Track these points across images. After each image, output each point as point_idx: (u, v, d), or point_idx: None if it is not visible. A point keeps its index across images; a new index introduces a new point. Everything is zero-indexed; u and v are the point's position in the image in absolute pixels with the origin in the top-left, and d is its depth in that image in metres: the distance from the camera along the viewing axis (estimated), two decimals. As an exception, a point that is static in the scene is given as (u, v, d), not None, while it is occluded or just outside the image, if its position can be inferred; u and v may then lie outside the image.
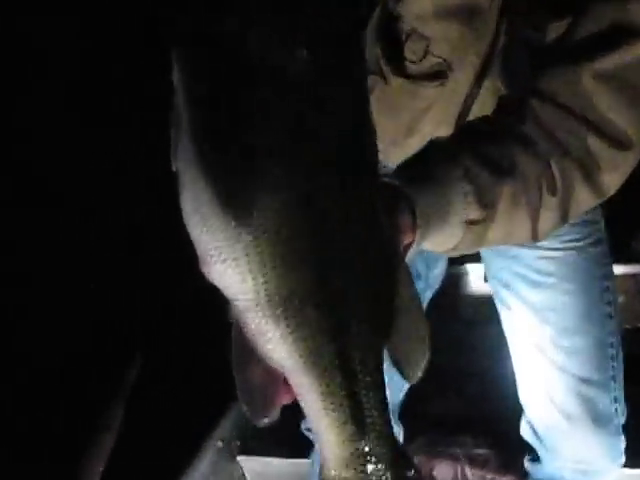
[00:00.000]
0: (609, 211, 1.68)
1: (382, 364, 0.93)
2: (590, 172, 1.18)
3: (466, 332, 2.51)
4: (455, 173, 1.10)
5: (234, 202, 0.84)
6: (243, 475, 2.29)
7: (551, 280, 1.70)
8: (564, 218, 1.21)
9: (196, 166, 0.85)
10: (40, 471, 1.97)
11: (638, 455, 1.78)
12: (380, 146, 1.43)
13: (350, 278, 0.89)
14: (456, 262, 2.66)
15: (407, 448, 2.16)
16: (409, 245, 1.02)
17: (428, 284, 1.83)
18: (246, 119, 0.84)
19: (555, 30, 1.31)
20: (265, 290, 0.85)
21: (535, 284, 1.72)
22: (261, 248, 0.84)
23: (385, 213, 0.96)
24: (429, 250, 1.17)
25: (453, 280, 2.70)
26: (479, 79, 1.49)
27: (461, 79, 1.50)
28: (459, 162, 1.11)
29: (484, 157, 1.13)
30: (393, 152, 1.55)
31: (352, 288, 0.89)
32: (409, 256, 1.05)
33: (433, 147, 1.19)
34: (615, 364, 1.71)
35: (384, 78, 1.57)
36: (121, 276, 2.48)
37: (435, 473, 2.20)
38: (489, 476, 2.15)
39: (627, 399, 1.74)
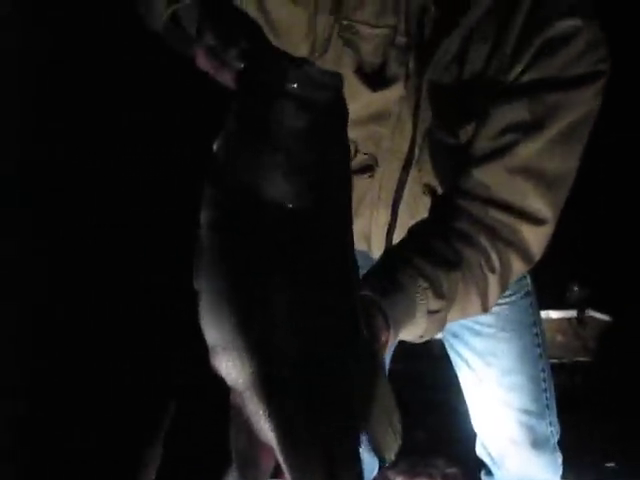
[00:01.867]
0: (546, 267, 1.75)
1: (359, 447, 1.02)
2: (519, 247, 1.38)
3: (433, 369, 2.77)
4: (413, 276, 1.27)
5: (236, 318, 0.98)
6: None
7: (491, 330, 1.91)
8: (505, 287, 1.42)
9: (211, 288, 0.99)
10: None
11: (570, 470, 2.07)
12: None
13: (331, 371, 1.01)
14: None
15: (390, 472, 2.49)
16: (386, 341, 1.19)
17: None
18: (254, 258, 0.98)
19: (465, 133, 1.47)
20: (259, 376, 0.98)
21: (478, 333, 1.93)
22: (251, 352, 0.98)
23: (365, 320, 1.08)
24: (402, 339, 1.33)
25: None
26: (405, 171, 1.61)
27: (387, 171, 1.63)
28: (415, 266, 1.28)
29: (434, 257, 1.31)
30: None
31: (334, 379, 1.01)
32: (387, 350, 1.23)
33: (392, 255, 1.40)
34: (548, 394, 1.95)
35: None
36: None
37: (415, 490, 2.50)
38: (458, 491, 2.45)
39: (567, 423, 2.01)
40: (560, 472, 2.02)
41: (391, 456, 1.06)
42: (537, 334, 1.97)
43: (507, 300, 1.89)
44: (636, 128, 3.08)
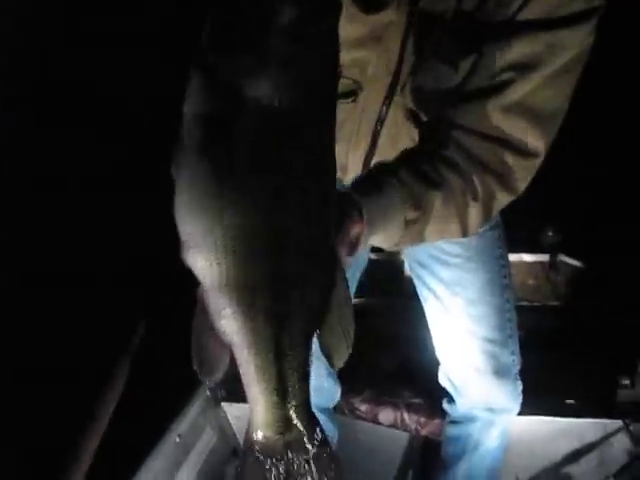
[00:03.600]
0: (521, 211, 1.81)
1: (310, 349, 1.10)
2: (506, 179, 1.42)
3: (402, 304, 2.79)
4: (394, 183, 1.32)
5: (212, 204, 1.00)
6: (226, 417, 2.57)
7: (458, 260, 1.95)
8: (488, 215, 1.46)
9: (188, 174, 1.01)
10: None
11: (530, 404, 2.11)
12: None
13: (295, 275, 1.04)
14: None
15: (355, 399, 2.55)
16: (358, 237, 1.22)
17: (357, 267, 2.09)
18: (232, 144, 0.98)
19: (463, 66, 1.47)
20: (225, 275, 1.02)
21: (445, 263, 1.97)
22: (225, 242, 1.00)
23: (339, 216, 1.14)
24: (377, 246, 1.39)
25: (391, 262, 2.98)
26: (388, 98, 1.63)
27: (371, 97, 1.65)
28: (398, 176, 1.34)
29: (418, 172, 1.36)
30: None
31: (296, 284, 1.05)
32: (361, 245, 1.25)
33: (380, 166, 1.44)
34: (511, 325, 2.00)
35: None
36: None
37: (380, 418, 2.54)
38: (422, 419, 2.48)
39: (532, 362, 2.06)
40: (520, 400, 2.07)
41: (340, 363, 1.13)
42: (504, 265, 2.01)
43: None
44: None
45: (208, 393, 2.49)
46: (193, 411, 2.41)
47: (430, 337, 2.14)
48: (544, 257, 3.15)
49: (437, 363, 2.17)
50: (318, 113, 1.06)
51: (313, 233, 1.06)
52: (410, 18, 1.51)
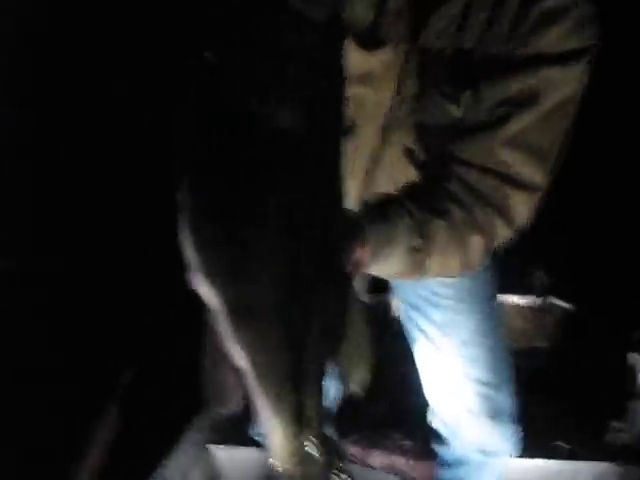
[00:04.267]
0: (511, 252, 1.78)
1: (324, 377, 1.11)
2: (507, 213, 1.44)
3: (392, 349, 2.78)
4: (401, 212, 1.37)
5: (218, 235, 1.00)
6: (214, 462, 2.51)
7: (449, 302, 1.93)
8: (489, 250, 1.48)
9: (196, 197, 1.00)
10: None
11: (522, 448, 2.08)
12: None
13: (309, 300, 1.04)
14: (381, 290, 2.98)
15: (344, 443, 2.51)
16: (361, 261, 1.24)
17: None
18: (239, 177, 0.98)
19: (463, 101, 1.48)
20: (235, 302, 1.02)
21: (436, 305, 1.94)
22: (236, 268, 1.00)
23: (345, 239, 1.17)
24: (377, 274, 1.43)
25: (380, 305, 3.02)
26: (384, 136, 1.62)
27: (366, 135, 1.63)
28: (404, 206, 1.39)
29: (422, 203, 1.41)
30: None
31: (310, 309, 1.05)
32: (361, 274, 1.30)
33: (385, 197, 1.48)
34: (505, 366, 1.99)
35: None
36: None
37: (370, 461, 2.50)
38: (412, 462, 2.45)
39: (524, 404, 2.03)
40: (515, 442, 2.05)
41: (356, 389, 1.15)
42: (494, 307, 2.01)
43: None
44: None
45: (196, 436, 2.45)
46: (182, 455, 2.37)
47: (419, 379, 2.12)
48: (533, 299, 3.15)
49: (427, 405, 2.14)
50: (328, 133, 1.09)
51: (325, 257, 1.06)
52: (409, 56, 1.52)
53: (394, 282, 2.08)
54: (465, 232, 1.43)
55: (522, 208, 1.46)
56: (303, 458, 1.12)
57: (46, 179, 2.84)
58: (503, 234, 1.48)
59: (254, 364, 1.06)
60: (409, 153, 1.64)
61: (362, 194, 1.72)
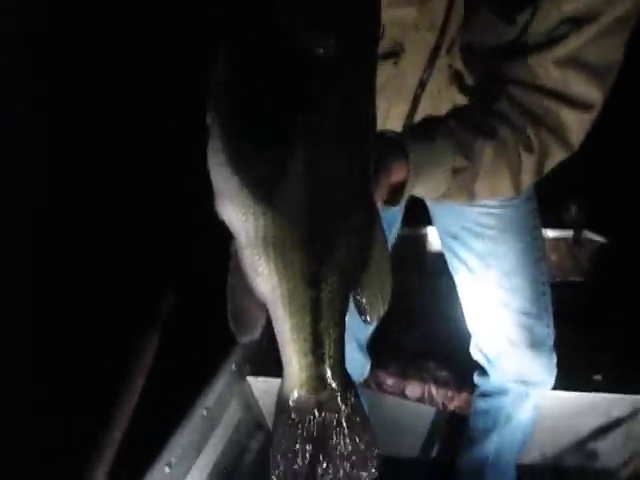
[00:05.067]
0: (545, 186, 1.82)
1: (347, 309, 1.09)
2: (561, 134, 1.40)
3: (426, 281, 2.82)
4: (443, 131, 1.33)
5: (248, 159, 0.99)
6: (252, 392, 2.57)
7: (492, 232, 1.92)
8: (541, 172, 1.45)
9: (225, 123, 0.99)
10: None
11: (558, 381, 2.09)
12: None
13: (332, 234, 1.03)
14: (417, 225, 3.00)
15: (382, 373, 2.53)
16: (405, 180, 1.23)
17: (388, 241, 2.06)
18: (270, 98, 0.97)
19: (519, 20, 1.43)
20: (262, 231, 1.01)
21: (479, 235, 1.94)
22: (263, 194, 0.99)
23: (382, 157, 1.14)
24: (423, 196, 1.40)
25: (416, 239, 3.00)
26: (431, 59, 1.62)
27: (413, 59, 1.63)
28: (448, 125, 1.34)
29: (468, 123, 1.36)
30: None
31: (333, 242, 1.04)
32: (405, 194, 1.26)
33: (429, 117, 1.45)
34: (546, 298, 1.98)
35: None
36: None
37: (407, 392, 2.52)
38: (449, 393, 2.46)
39: (560, 337, 2.03)
40: (554, 373, 2.05)
41: (373, 319, 1.11)
42: (537, 238, 1.99)
43: (509, 203, 1.91)
44: None
45: (234, 367, 2.48)
46: (219, 385, 2.40)
47: (456, 311, 2.13)
48: (568, 233, 3.13)
49: (463, 337, 2.15)
50: (361, 65, 1.04)
51: (351, 183, 1.04)
52: None
53: (435, 212, 2.07)
54: (515, 152, 1.39)
55: (577, 127, 1.42)
56: (317, 387, 1.12)
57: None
58: (557, 154, 1.44)
59: (273, 294, 1.06)
60: (456, 78, 1.64)
61: (408, 119, 1.72)
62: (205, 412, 2.29)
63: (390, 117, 1.72)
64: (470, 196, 1.42)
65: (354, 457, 1.15)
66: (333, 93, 1.00)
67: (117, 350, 2.19)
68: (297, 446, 1.14)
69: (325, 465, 1.14)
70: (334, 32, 0.98)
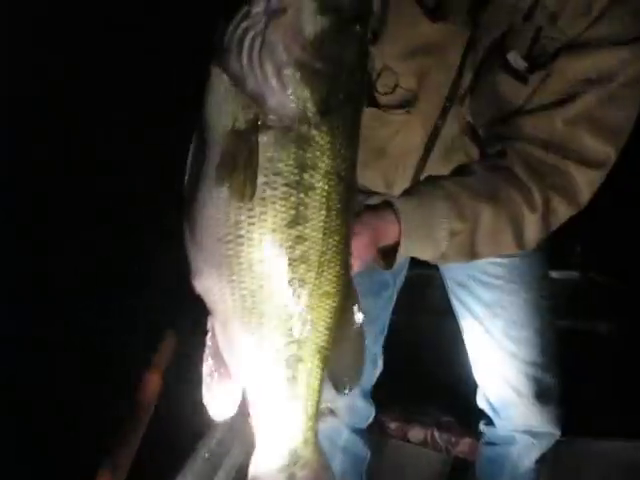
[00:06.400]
0: None
1: (322, 384, 1.14)
2: (569, 192, 1.42)
3: (432, 325, 2.81)
4: (438, 193, 1.33)
5: (225, 234, 1.01)
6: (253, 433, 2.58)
7: (499, 282, 1.91)
8: (547, 229, 1.45)
9: (201, 202, 1.02)
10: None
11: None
12: None
13: (309, 315, 1.07)
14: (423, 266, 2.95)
15: (385, 417, 2.51)
16: (396, 247, 1.25)
17: (395, 289, 2.05)
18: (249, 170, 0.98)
19: (532, 79, 1.47)
20: (237, 305, 1.05)
21: (486, 284, 1.93)
22: (238, 281, 1.03)
23: (371, 217, 1.21)
24: (420, 257, 1.38)
25: (423, 282, 2.98)
26: (445, 109, 1.62)
27: (427, 108, 1.64)
28: (443, 186, 1.35)
29: (465, 184, 1.37)
30: (366, 173, 1.73)
31: (310, 324, 1.07)
32: (398, 256, 1.28)
33: (426, 178, 1.46)
34: (553, 348, 1.97)
35: None
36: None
37: (409, 436, 2.52)
38: (453, 439, 2.46)
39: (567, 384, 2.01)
40: (561, 424, 2.03)
41: (345, 391, 1.16)
42: (545, 287, 1.98)
43: (517, 253, 1.83)
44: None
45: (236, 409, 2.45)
46: (221, 428, 2.38)
47: (460, 356, 2.12)
48: (574, 274, 3.12)
49: (467, 382, 2.14)
50: (343, 132, 1.05)
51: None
52: (474, 29, 1.51)
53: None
54: (518, 212, 1.39)
55: (586, 185, 1.42)
56: (290, 462, 1.14)
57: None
58: (564, 212, 1.44)
59: (249, 371, 1.10)
60: (469, 129, 1.64)
61: (417, 171, 1.72)
62: (207, 455, 2.27)
63: (401, 165, 1.73)
64: (471, 257, 1.42)
65: None
66: (318, 159, 1.03)
67: (119, 393, 2.17)
68: None
69: None
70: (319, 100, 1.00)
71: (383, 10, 1.59)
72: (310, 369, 1.10)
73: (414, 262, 2.17)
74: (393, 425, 2.51)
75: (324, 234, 1.05)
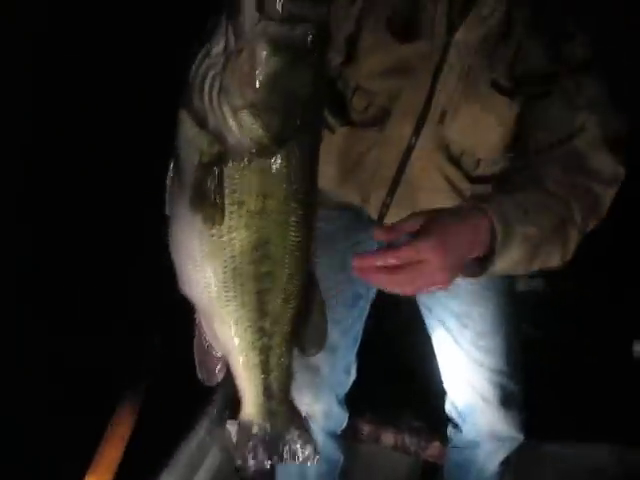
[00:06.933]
0: None
1: (292, 356, 1.31)
2: (595, 207, 1.49)
3: (403, 333, 2.87)
4: (510, 201, 1.36)
5: (201, 244, 1.14)
6: (230, 437, 2.64)
7: (468, 292, 1.99)
8: (579, 240, 1.47)
9: (181, 221, 1.14)
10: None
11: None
12: (332, 183, 1.78)
13: (278, 304, 1.22)
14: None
15: (358, 421, 2.59)
16: (492, 254, 1.29)
17: (368, 300, 2.12)
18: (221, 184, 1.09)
19: (519, 97, 1.57)
20: (215, 305, 1.20)
21: (455, 296, 2.00)
22: (216, 292, 1.18)
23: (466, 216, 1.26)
24: (499, 272, 1.39)
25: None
26: (418, 127, 1.69)
27: (399, 126, 1.71)
28: (512, 196, 1.39)
29: (522, 196, 1.40)
30: (343, 188, 1.85)
31: (279, 310, 1.23)
32: (494, 259, 1.30)
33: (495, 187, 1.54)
34: (518, 355, 2.05)
35: (330, 129, 1.77)
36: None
37: (381, 440, 2.60)
38: (422, 443, 2.55)
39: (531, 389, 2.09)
40: (524, 428, 2.11)
41: (312, 354, 1.34)
42: (512, 296, 2.07)
43: None
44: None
45: (215, 413, 2.53)
46: (200, 431, 2.46)
47: (431, 363, 2.19)
48: (537, 282, 3.20)
49: (437, 387, 2.21)
50: (300, 166, 1.13)
51: (294, 257, 1.19)
52: (445, 50, 1.59)
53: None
54: (565, 228, 1.44)
55: (607, 200, 1.50)
56: (268, 417, 1.35)
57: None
58: (590, 226, 1.50)
59: (230, 353, 1.26)
60: (444, 147, 1.72)
61: (392, 189, 1.80)
62: (187, 457, 2.34)
63: (377, 179, 1.81)
64: (531, 266, 1.42)
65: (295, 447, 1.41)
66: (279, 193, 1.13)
67: (101, 398, 2.23)
68: (255, 451, 1.38)
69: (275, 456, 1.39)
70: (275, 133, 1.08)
71: (356, 32, 1.67)
72: (280, 352, 1.28)
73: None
74: (366, 429, 2.59)
75: (287, 252, 1.18)
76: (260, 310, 1.22)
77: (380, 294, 2.17)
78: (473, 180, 1.78)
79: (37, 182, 2.65)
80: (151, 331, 2.42)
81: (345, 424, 2.31)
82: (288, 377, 1.33)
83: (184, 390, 2.35)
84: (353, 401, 2.35)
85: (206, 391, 2.46)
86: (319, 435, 2.16)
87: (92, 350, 2.40)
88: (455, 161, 1.75)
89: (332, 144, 1.79)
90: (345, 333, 2.08)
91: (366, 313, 2.15)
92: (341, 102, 1.78)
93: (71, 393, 2.35)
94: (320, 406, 2.09)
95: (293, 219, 1.16)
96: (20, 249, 2.57)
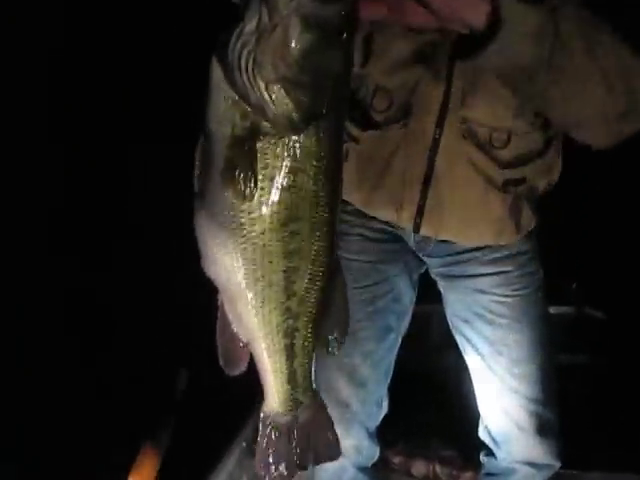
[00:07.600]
0: (545, 264, 1.97)
1: (314, 344, 1.31)
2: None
3: (435, 359, 2.88)
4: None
5: (230, 223, 1.15)
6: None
7: (504, 320, 1.96)
8: (627, 100, 1.47)
9: (208, 192, 1.15)
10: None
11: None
12: (360, 199, 1.74)
13: (304, 292, 1.23)
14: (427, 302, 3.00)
15: (388, 452, 2.55)
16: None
17: (399, 333, 2.09)
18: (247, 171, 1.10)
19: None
20: (241, 286, 1.20)
21: (491, 322, 1.97)
22: (243, 271, 1.18)
23: None
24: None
25: (426, 317, 3.02)
26: (442, 116, 1.68)
27: (422, 118, 1.70)
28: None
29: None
30: (374, 197, 1.82)
31: (305, 299, 1.24)
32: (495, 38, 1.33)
33: None
34: (553, 384, 2.02)
35: (354, 140, 1.78)
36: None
37: (412, 470, 2.57)
38: (454, 472, 2.51)
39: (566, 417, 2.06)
40: (560, 456, 2.08)
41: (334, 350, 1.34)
42: (546, 325, 2.03)
43: (522, 292, 1.96)
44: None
45: (244, 444, 2.50)
46: (230, 462, 2.43)
47: (462, 390, 2.18)
48: (568, 309, 3.17)
49: (469, 416, 2.19)
50: (327, 147, 1.15)
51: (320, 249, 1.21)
52: (458, 34, 1.54)
53: (447, 296, 2.09)
54: (607, 71, 1.44)
55: None
56: (292, 407, 1.36)
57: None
58: None
59: (255, 340, 1.27)
60: (469, 133, 1.70)
61: (424, 188, 1.78)
62: None
63: (407, 182, 1.78)
64: (546, 51, 1.40)
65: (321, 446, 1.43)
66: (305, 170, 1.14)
67: (132, 430, 2.22)
68: (279, 450, 1.39)
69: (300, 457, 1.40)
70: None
71: (372, 30, 1.67)
72: (305, 335, 1.28)
73: (418, 298, 2.25)
74: (397, 460, 2.55)
75: (315, 229, 1.20)
76: (287, 289, 1.22)
77: (411, 318, 2.15)
78: (504, 165, 1.75)
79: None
80: (181, 364, 2.41)
81: (376, 457, 2.27)
82: (311, 364, 1.34)
83: (214, 422, 2.37)
84: (384, 431, 2.32)
85: (236, 423, 2.44)
86: (349, 469, 2.13)
87: (122, 381, 2.40)
88: (483, 147, 1.72)
89: (356, 157, 1.79)
90: (376, 366, 2.05)
91: (397, 346, 2.12)
92: (363, 111, 1.77)
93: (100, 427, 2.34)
94: (351, 441, 2.06)
95: (322, 195, 1.18)
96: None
